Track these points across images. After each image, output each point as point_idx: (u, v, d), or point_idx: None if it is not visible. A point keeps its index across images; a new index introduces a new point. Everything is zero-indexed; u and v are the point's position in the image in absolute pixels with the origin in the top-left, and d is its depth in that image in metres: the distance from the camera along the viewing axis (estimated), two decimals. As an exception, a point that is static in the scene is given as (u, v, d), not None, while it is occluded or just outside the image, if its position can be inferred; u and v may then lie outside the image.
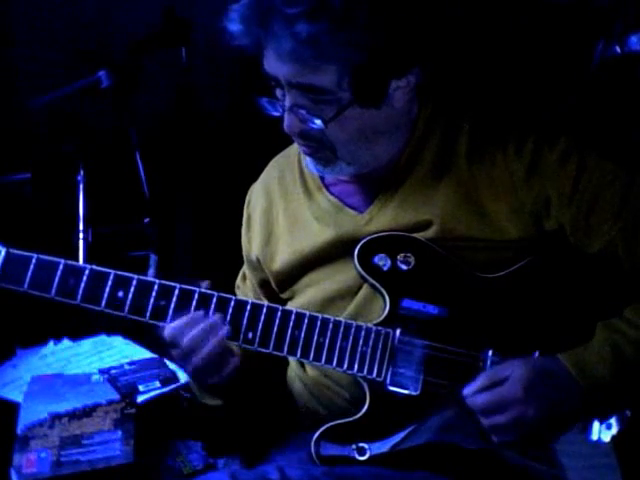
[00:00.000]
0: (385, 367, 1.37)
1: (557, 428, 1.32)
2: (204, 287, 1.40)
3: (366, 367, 1.38)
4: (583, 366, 1.30)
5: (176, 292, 1.39)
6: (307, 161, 1.46)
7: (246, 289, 1.65)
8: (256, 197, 1.62)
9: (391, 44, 1.30)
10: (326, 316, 1.39)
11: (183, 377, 1.64)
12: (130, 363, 1.84)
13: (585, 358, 1.31)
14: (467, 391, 1.32)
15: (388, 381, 1.37)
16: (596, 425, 1.35)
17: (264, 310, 1.39)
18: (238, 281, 1.69)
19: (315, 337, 1.38)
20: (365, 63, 1.29)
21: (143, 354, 1.81)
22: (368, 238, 1.41)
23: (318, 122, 1.33)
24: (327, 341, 1.38)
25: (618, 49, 2.06)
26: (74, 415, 1.64)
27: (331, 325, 1.38)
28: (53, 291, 1.40)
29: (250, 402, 1.58)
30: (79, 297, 1.40)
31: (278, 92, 1.36)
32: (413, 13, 1.32)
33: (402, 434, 1.36)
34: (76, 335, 1.99)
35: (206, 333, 1.36)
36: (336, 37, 1.26)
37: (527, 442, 1.32)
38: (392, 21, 1.29)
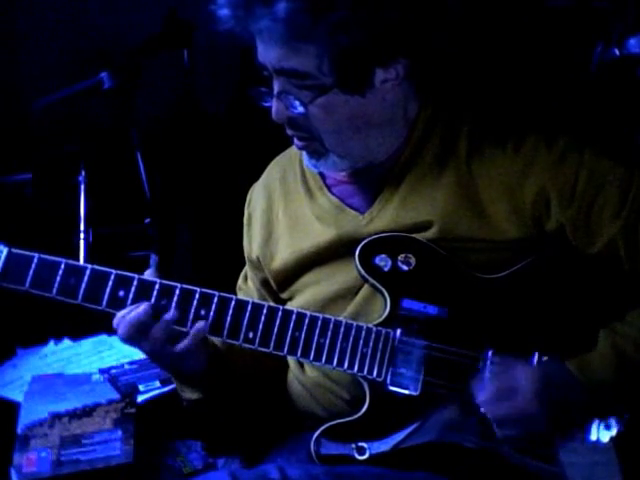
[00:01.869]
0: (385, 367, 1.37)
1: (560, 429, 1.33)
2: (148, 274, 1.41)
3: (366, 367, 1.38)
4: (589, 372, 1.31)
5: (177, 292, 1.39)
6: (303, 156, 1.46)
7: (249, 290, 1.65)
8: (257, 197, 1.63)
9: (372, 28, 1.30)
10: (327, 316, 1.39)
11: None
12: (130, 363, 1.85)
13: (590, 363, 1.32)
14: (482, 399, 1.33)
15: (388, 381, 1.37)
16: (595, 426, 1.35)
17: (265, 310, 1.39)
18: (240, 282, 1.69)
19: (316, 337, 1.38)
20: (344, 46, 1.29)
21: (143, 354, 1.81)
22: (369, 239, 1.41)
23: (300, 107, 1.34)
24: (327, 341, 1.38)
25: (617, 51, 2.07)
26: (74, 415, 1.64)
27: (332, 325, 1.39)
28: (54, 290, 1.40)
29: (235, 398, 1.58)
30: (80, 297, 1.40)
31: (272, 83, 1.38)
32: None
33: (403, 434, 1.36)
34: (76, 335, 2.00)
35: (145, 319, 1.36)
36: (314, 17, 1.27)
37: (530, 440, 1.34)
38: (373, 5, 1.29)
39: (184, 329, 1.39)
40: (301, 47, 1.30)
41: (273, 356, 1.43)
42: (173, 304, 1.38)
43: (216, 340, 1.49)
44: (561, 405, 1.31)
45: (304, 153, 1.45)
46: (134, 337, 1.38)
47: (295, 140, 1.42)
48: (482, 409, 1.33)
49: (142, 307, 1.38)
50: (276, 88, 1.36)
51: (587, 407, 1.32)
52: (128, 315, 1.38)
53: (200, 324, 1.38)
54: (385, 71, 1.35)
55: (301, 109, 1.34)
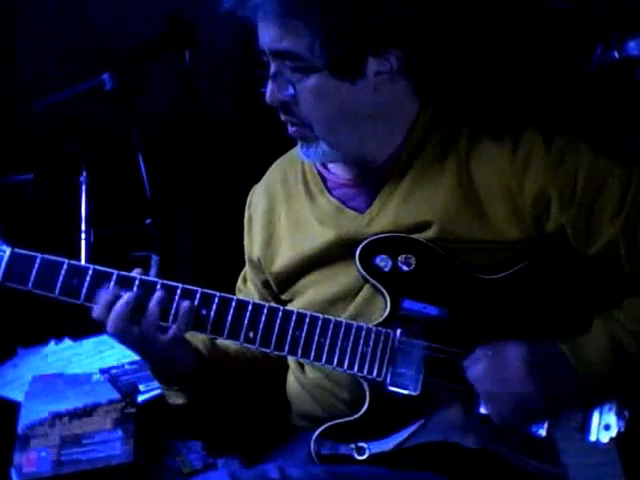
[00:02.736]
0: (385, 367, 1.38)
1: (551, 410, 1.34)
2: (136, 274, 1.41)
3: (366, 367, 1.38)
4: (581, 354, 1.32)
5: (178, 291, 1.40)
6: (297, 147, 1.46)
7: (248, 292, 1.65)
8: (257, 198, 1.63)
9: (365, 13, 1.31)
10: (327, 316, 1.40)
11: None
12: (131, 363, 1.85)
13: (583, 346, 1.33)
14: (467, 361, 1.34)
15: (388, 381, 1.38)
16: (594, 425, 1.35)
17: (265, 310, 1.40)
18: (239, 284, 1.69)
19: (316, 337, 1.39)
20: (336, 28, 1.31)
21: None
22: (370, 239, 1.41)
23: (291, 89, 1.36)
24: (328, 341, 1.39)
25: (616, 54, 2.07)
26: (75, 414, 1.64)
27: (332, 325, 1.39)
28: (57, 291, 1.40)
29: (221, 404, 1.58)
30: (82, 297, 1.40)
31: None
32: None
33: (403, 434, 1.37)
34: (77, 335, 2.00)
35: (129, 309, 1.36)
36: None
37: (519, 419, 1.34)
38: None
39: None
40: (294, 26, 1.32)
41: (274, 357, 1.43)
42: (174, 304, 1.39)
43: (201, 347, 1.50)
44: (549, 378, 1.31)
45: (298, 145, 1.45)
46: (126, 321, 1.37)
47: (288, 126, 1.43)
48: (466, 369, 1.33)
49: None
50: (272, 70, 1.37)
51: (578, 388, 1.32)
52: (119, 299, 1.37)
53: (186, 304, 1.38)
54: (378, 62, 1.36)
55: (292, 91, 1.35)
